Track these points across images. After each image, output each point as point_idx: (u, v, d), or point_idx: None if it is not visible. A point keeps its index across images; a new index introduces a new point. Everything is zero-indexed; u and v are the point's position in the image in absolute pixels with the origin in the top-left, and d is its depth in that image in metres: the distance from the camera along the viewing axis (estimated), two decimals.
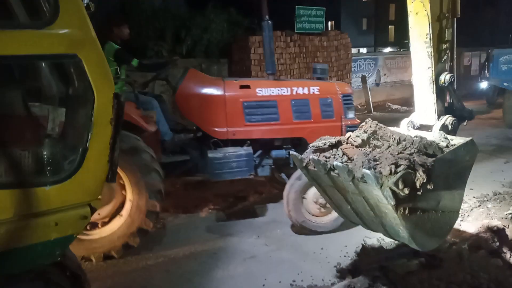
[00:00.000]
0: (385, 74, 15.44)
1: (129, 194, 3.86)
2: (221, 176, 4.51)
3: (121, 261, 3.84)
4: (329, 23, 31.84)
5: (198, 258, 3.90)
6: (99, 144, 2.04)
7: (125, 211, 3.88)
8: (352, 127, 4.69)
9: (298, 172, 4.11)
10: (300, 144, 4.76)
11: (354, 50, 17.70)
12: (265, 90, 4.66)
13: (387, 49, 31.24)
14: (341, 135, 4.03)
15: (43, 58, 2.02)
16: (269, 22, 4.60)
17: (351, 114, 4.96)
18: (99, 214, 3.84)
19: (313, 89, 4.82)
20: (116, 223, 3.87)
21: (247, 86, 4.67)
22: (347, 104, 4.93)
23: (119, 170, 3.61)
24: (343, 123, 4.86)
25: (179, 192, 5.65)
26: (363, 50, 32.78)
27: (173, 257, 3.91)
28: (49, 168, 2.13)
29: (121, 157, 3.25)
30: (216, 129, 4.53)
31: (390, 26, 39.21)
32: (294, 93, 4.74)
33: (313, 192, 4.24)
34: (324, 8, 12.61)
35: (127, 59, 4.69)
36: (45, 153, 2.17)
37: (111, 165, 2.10)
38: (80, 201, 2.04)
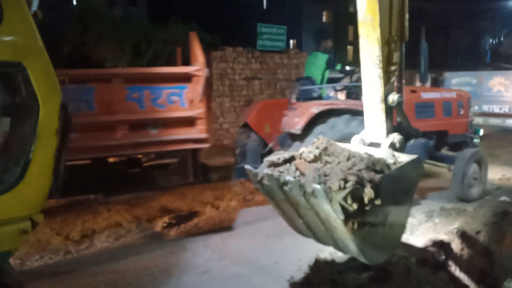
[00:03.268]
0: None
1: None
2: None
3: (67, 275, 3.67)
4: (291, 41, 32.61)
5: (149, 273, 3.79)
6: (43, 156, 1.97)
7: None
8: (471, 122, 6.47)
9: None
10: (444, 136, 6.09)
11: None
12: (426, 94, 6.00)
13: (346, 68, 32.24)
14: (467, 129, 6.22)
15: None
16: (426, 43, 5.96)
17: (470, 113, 6.49)
18: None
19: (452, 93, 6.36)
20: None
21: (414, 91, 5.95)
22: (469, 106, 6.47)
23: None
24: (468, 119, 6.31)
25: (132, 205, 5.52)
26: None
27: (123, 272, 3.79)
28: None
29: None
30: None
31: (348, 47, 40.58)
32: (443, 96, 6.12)
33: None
34: (286, 26, 12.92)
35: (333, 64, 5.87)
36: None
37: (55, 178, 2.02)
38: (20, 214, 1.95)
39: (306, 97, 5.52)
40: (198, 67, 4.22)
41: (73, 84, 3.70)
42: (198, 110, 4.20)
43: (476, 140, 6.29)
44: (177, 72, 4.25)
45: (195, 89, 4.23)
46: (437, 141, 6.14)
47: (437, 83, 6.94)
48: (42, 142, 1.94)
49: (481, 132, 6.52)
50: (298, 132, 4.85)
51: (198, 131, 4.23)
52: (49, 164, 1.99)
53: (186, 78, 4.19)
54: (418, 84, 13.09)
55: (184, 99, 4.24)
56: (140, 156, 4.86)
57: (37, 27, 1.97)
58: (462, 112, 6.28)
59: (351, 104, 5.16)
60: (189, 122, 4.25)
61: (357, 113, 4.73)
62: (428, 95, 6.08)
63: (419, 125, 5.41)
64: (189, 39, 4.92)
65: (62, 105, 1.99)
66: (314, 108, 4.90)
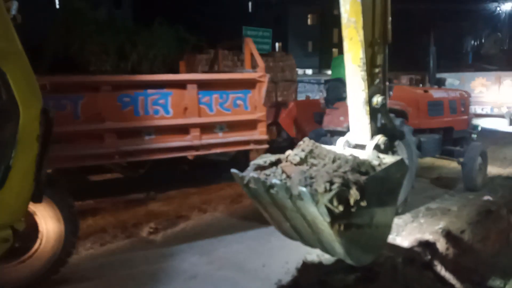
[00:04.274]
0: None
1: None
2: (426, 155, 5.96)
3: (50, 283, 3.60)
4: (277, 44, 32.74)
5: (136, 279, 3.75)
6: (24, 162, 1.93)
7: None
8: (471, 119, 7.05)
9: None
10: (450, 132, 6.53)
11: (300, 71, 18.23)
12: (436, 94, 6.48)
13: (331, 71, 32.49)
14: (468, 125, 6.73)
15: None
16: (434, 48, 6.67)
17: (470, 111, 7.16)
18: None
19: (456, 93, 6.87)
20: None
21: (426, 91, 6.42)
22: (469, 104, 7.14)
23: None
24: (469, 116, 6.91)
25: (118, 210, 5.45)
26: (309, 71, 33.89)
27: (109, 279, 3.73)
28: None
29: None
30: (414, 122, 5.77)
31: (333, 49, 40.87)
32: (449, 96, 6.61)
33: None
34: (271, 29, 12.96)
35: None
36: None
37: (37, 184, 1.99)
38: (0, 222, 1.91)
39: (336, 97, 5.82)
40: (261, 73, 4.44)
41: (151, 89, 3.85)
42: (260, 113, 4.49)
43: (474, 135, 6.78)
44: (243, 78, 4.47)
45: (258, 93, 4.47)
46: (443, 136, 6.56)
47: (439, 84, 7.25)
48: (23, 148, 1.91)
49: (480, 128, 7.00)
50: (346, 129, 5.15)
51: (259, 133, 4.53)
52: (31, 171, 1.95)
53: (251, 84, 4.41)
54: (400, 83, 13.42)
55: (247, 103, 4.47)
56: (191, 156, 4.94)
57: (17, 31, 1.93)
58: (463, 109, 6.80)
59: (388, 103, 5.74)
60: (251, 124, 4.53)
61: (394, 111, 5.27)
62: (438, 94, 6.58)
63: (431, 122, 6.30)
64: (244, 45, 5.20)
65: (44, 110, 1.96)
66: None
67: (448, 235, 4.50)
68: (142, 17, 12.96)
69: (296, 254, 4.05)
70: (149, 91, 3.95)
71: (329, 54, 41.65)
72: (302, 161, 3.12)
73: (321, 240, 2.92)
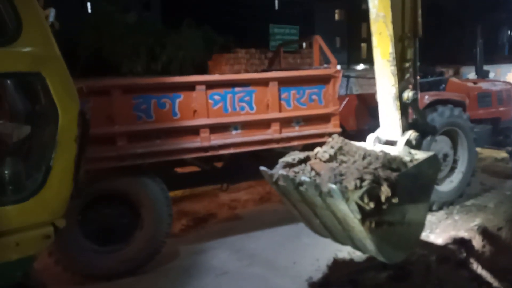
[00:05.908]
0: (357, 90, 15.79)
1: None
2: (479, 146, 6.03)
3: (82, 278, 3.74)
4: None
5: (168, 274, 3.84)
6: (63, 163, 2.03)
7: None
8: None
9: None
10: (497, 122, 6.66)
11: None
12: (485, 85, 6.71)
13: (360, 66, 31.95)
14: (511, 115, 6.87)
15: (6, 76, 2.01)
16: (481, 40, 7.04)
17: None
18: None
19: (501, 84, 7.04)
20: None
21: (475, 83, 6.70)
22: None
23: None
24: None
25: None
26: (337, 67, 33.43)
27: (142, 274, 3.84)
28: (10, 187, 2.09)
29: None
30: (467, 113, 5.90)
31: (362, 44, 40.21)
32: (496, 88, 6.75)
33: None
34: (298, 26, 12.88)
35: None
36: (6, 171, 2.13)
37: (75, 183, 2.08)
38: (43, 220, 2.01)
39: None
40: (335, 69, 4.72)
41: (238, 87, 4.24)
42: (333, 107, 4.71)
43: None
44: (320, 74, 4.74)
45: (332, 88, 4.72)
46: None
47: (484, 76, 7.56)
48: (62, 149, 2.00)
49: None
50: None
51: (333, 126, 4.77)
52: (70, 170, 2.04)
53: (326, 79, 4.67)
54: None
55: (322, 97, 4.72)
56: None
57: (54, 35, 2.02)
58: (508, 101, 6.94)
59: (451, 95, 5.85)
60: (325, 118, 4.79)
61: (454, 102, 5.56)
62: (486, 86, 6.75)
63: (481, 113, 6.52)
64: (314, 43, 5.51)
65: (81, 113, 2.04)
66: (426, 99, 5.35)
67: (484, 232, 4.36)
68: (171, 19, 13.18)
69: (327, 251, 4.04)
70: (236, 89, 4.27)
71: (357, 50, 41.01)
72: (332, 158, 3.10)
73: (352, 237, 2.90)
